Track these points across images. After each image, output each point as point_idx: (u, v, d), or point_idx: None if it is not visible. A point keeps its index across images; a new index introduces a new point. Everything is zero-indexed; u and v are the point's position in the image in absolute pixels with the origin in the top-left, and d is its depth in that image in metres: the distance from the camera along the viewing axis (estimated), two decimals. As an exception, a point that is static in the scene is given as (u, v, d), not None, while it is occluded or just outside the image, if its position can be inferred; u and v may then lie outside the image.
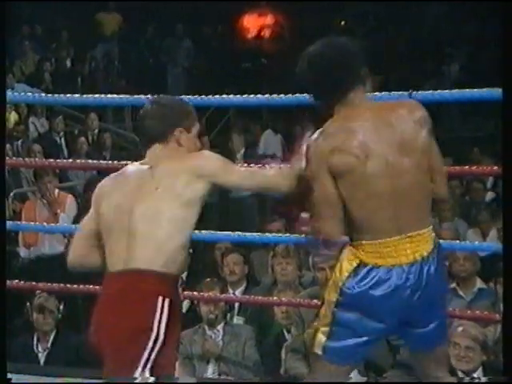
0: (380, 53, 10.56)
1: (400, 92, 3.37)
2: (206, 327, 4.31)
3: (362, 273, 2.55)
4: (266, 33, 12.03)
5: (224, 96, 3.68)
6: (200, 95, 3.65)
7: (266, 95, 3.67)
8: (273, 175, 2.69)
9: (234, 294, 4.66)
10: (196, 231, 3.86)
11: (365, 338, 2.57)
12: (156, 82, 10.33)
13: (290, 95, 3.61)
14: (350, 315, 2.56)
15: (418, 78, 9.72)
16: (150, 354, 2.51)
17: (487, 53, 10.18)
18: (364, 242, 2.55)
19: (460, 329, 3.73)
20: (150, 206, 2.57)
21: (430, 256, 2.56)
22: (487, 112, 9.36)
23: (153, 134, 2.69)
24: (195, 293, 4.17)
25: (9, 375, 3.15)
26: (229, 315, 4.43)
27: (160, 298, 2.52)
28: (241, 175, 2.66)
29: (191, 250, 5.72)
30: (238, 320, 4.48)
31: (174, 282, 2.58)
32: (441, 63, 10.43)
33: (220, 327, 4.29)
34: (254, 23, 12.08)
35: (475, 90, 3.41)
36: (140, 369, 2.51)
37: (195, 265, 5.30)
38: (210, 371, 4.24)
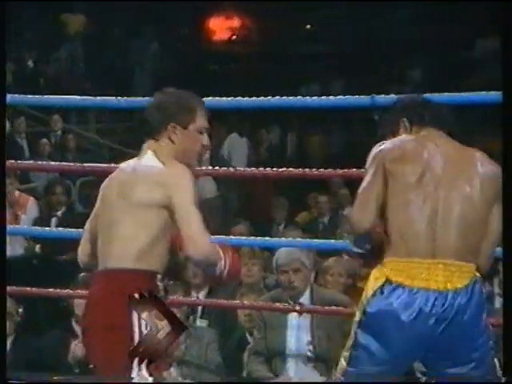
0: (345, 56, 10.64)
1: (362, 96, 3.39)
2: (169, 330, 4.29)
3: (386, 291, 2.46)
4: (233, 35, 12.05)
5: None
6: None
7: (232, 98, 3.68)
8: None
9: (197, 297, 4.66)
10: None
11: (384, 367, 2.46)
12: (122, 83, 10.30)
13: (256, 98, 3.62)
14: (371, 338, 2.46)
15: (381, 82, 9.81)
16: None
17: (449, 57, 10.31)
18: (395, 258, 2.47)
19: None
20: (122, 206, 2.57)
21: (464, 291, 2.46)
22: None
23: (146, 128, 2.64)
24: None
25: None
26: (192, 318, 4.43)
27: (135, 295, 2.50)
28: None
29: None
30: (201, 323, 4.48)
31: (148, 277, 2.54)
32: (404, 68, 10.54)
33: (182, 330, 4.28)
34: (220, 26, 12.09)
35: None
36: (136, 367, 2.49)
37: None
38: (173, 375, 4.22)
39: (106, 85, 9.59)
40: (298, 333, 4.01)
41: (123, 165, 2.70)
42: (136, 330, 2.50)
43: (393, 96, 3.34)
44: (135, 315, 2.50)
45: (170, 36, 11.92)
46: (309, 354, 3.98)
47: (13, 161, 4.94)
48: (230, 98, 3.68)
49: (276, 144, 10.03)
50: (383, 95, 3.37)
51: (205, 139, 2.66)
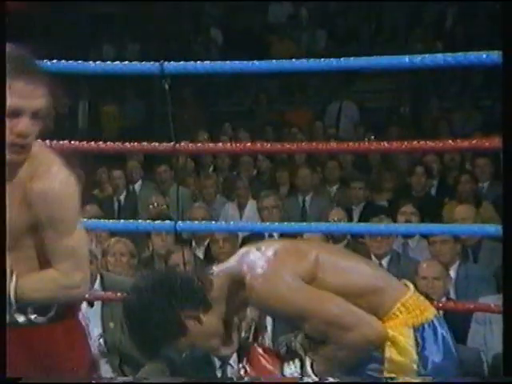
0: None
1: (152, 62, 3.11)
2: None
3: (424, 333, 2.35)
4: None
5: None
6: None
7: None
8: None
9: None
10: None
11: None
12: None
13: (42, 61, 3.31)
14: None
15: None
16: None
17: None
18: (402, 299, 2.36)
19: None
20: None
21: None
22: (246, 87, 9.56)
23: None
24: None
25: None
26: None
27: None
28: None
29: None
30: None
31: None
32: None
33: None
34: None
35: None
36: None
37: None
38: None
39: None
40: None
41: None
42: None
43: (183, 63, 3.10)
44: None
45: None
46: (100, 348, 3.78)
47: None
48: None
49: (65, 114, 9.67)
50: (173, 62, 3.11)
51: (20, 124, 2.04)
